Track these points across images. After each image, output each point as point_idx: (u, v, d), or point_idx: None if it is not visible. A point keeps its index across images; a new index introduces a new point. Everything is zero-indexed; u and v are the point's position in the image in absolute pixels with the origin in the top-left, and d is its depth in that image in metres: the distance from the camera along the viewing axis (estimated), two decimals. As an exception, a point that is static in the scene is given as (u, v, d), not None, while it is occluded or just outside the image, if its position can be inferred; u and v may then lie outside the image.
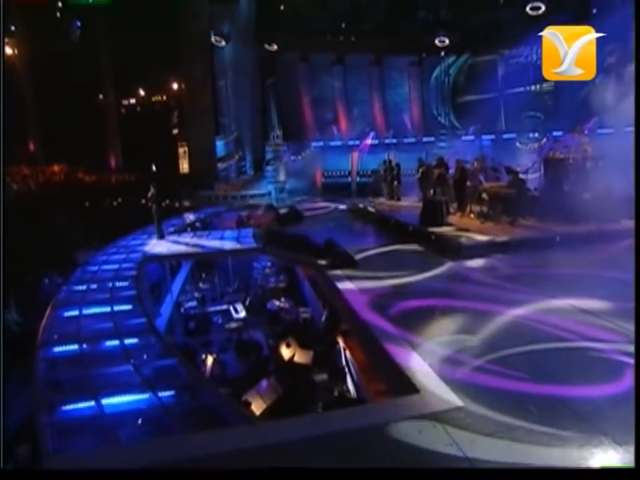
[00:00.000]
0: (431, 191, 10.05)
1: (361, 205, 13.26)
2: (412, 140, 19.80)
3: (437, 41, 17.79)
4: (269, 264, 10.05)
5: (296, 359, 5.89)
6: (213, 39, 20.11)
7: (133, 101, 27.83)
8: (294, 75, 20.76)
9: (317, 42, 19.35)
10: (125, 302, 5.74)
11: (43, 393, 3.43)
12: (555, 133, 15.04)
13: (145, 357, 4.00)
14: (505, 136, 16.70)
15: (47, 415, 3.08)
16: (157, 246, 9.30)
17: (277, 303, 8.00)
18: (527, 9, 13.73)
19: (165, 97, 27.59)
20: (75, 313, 5.39)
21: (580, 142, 10.00)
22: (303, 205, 15.25)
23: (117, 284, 6.56)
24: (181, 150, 26.89)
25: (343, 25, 18.33)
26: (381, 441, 2.80)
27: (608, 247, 7.18)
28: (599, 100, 12.86)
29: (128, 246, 9.41)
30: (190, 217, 14.24)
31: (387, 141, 20.15)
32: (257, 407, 4.26)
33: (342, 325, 6.90)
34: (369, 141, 20.18)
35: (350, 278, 6.39)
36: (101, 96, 25.23)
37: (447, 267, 6.71)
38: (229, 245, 9.48)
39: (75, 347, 4.35)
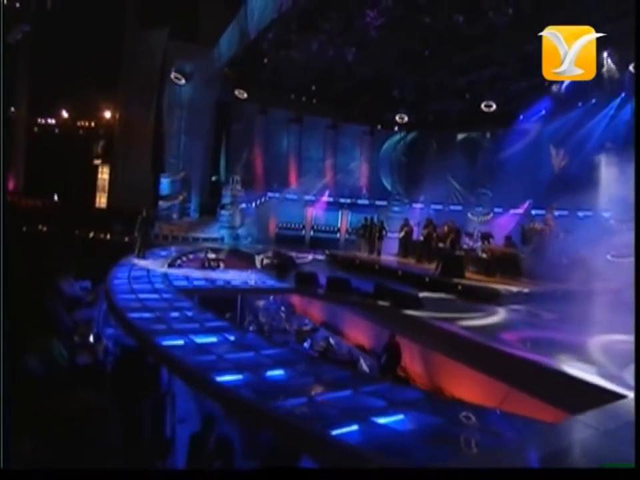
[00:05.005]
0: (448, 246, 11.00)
1: (347, 257, 13.65)
2: (365, 202, 21.16)
3: (397, 117, 19.93)
4: (282, 307, 9.71)
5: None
6: (172, 75, 19.91)
7: (51, 121, 25.66)
8: (252, 125, 21.14)
9: (282, 98, 20.24)
10: (227, 331, 5.16)
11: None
12: (497, 209, 17.59)
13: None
14: (452, 207, 18.88)
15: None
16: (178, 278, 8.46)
17: (321, 344, 7.74)
18: (482, 105, 16.42)
19: (92, 124, 25.87)
20: (180, 342, 4.68)
21: (545, 218, 12.02)
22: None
23: (187, 313, 5.84)
24: (100, 182, 25.16)
25: (313, 87, 19.54)
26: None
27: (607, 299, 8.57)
28: (540, 184, 15.61)
29: (139, 276, 8.39)
30: (162, 253, 13.23)
31: (341, 200, 21.25)
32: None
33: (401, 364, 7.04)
34: (324, 198, 21.07)
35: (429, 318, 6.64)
36: (12, 108, 22.92)
37: (506, 310, 7.39)
38: (250, 282, 9.02)
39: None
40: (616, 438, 3.09)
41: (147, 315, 5.64)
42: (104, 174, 24.88)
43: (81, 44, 20.25)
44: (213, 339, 4.84)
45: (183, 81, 20.21)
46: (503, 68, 13.91)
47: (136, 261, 10.77)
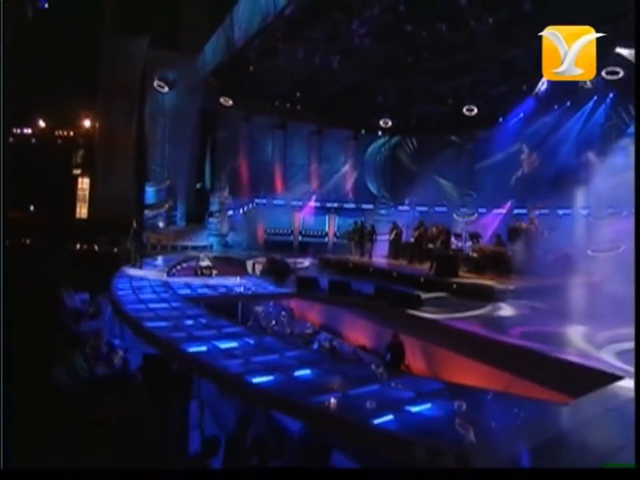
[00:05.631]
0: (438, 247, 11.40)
1: (340, 260, 13.93)
2: (352, 206, 21.49)
3: (381, 122, 20.41)
4: (283, 312, 9.88)
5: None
6: (155, 83, 19.89)
7: (27, 130, 25.32)
8: (236, 132, 21.23)
9: (266, 105, 20.42)
10: (245, 336, 5.35)
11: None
12: (481, 210, 18.19)
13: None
14: (437, 209, 19.39)
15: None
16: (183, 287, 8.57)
17: (326, 345, 7.97)
18: (464, 109, 17.02)
19: (71, 133, 25.57)
20: (203, 348, 4.84)
21: (530, 216, 12.58)
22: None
23: (202, 320, 6.00)
24: (80, 193, 24.86)
25: (298, 94, 19.80)
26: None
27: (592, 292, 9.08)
28: (521, 185, 16.29)
29: (141, 287, 8.47)
30: (154, 263, 13.24)
31: (328, 204, 21.53)
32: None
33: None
34: (312, 203, 21.31)
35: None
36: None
37: (501, 305, 7.80)
38: (253, 289, 9.20)
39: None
40: (622, 414, 3.44)
41: (162, 323, 5.76)
42: (84, 184, 24.58)
43: (58, 52, 20.01)
44: (234, 344, 5.02)
45: (166, 89, 20.19)
46: (483, 73, 14.49)
47: (133, 271, 10.79)
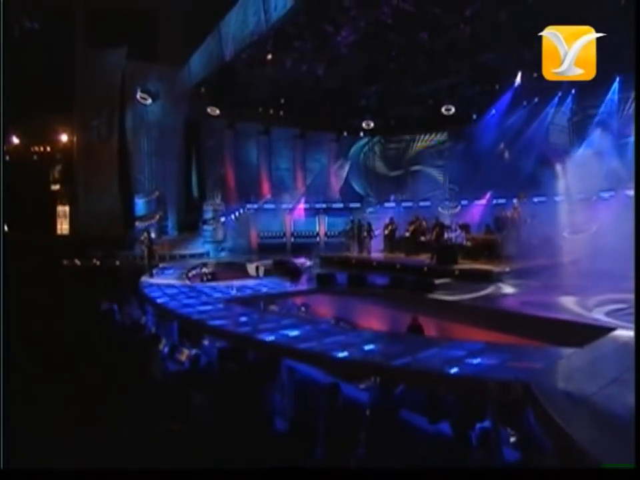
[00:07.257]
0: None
1: (342, 257, 14.84)
2: (340, 205, 22.42)
3: (363, 124, 21.45)
4: (302, 308, 10.68)
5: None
6: (138, 95, 20.18)
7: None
8: (222, 140, 21.75)
9: (251, 112, 21.06)
10: (303, 325, 6.17)
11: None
12: (464, 202, 19.50)
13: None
14: (422, 203, 20.58)
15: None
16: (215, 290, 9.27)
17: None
18: (442, 109, 18.27)
19: (47, 148, 25.38)
20: (271, 337, 5.64)
21: (514, 205, 13.86)
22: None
23: (254, 316, 6.77)
24: (60, 208, 24.70)
25: (282, 100, 20.56)
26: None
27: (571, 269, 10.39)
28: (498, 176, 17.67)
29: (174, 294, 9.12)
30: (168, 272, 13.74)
31: (317, 205, 22.37)
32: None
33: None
34: (301, 205, 22.10)
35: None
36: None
37: (499, 285, 8.97)
38: (275, 288, 9.99)
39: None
40: (621, 354, 4.52)
41: (222, 322, 6.50)
42: (64, 199, 24.40)
43: (31, 65, 19.90)
44: (298, 332, 5.83)
45: (149, 101, 20.48)
46: (460, 76, 15.73)
47: (153, 280, 11.34)
